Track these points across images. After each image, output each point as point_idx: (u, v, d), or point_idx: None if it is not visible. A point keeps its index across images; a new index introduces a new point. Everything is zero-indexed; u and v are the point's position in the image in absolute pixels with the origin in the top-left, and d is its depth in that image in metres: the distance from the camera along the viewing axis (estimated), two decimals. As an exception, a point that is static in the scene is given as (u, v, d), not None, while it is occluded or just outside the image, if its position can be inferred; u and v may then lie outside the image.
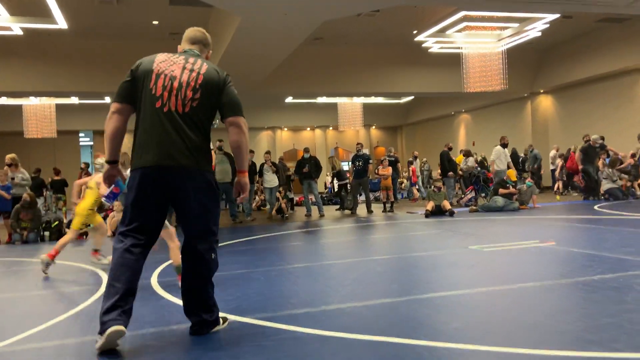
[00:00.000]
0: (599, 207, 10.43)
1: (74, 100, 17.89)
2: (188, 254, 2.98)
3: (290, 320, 3.22)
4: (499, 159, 12.15)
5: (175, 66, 2.92)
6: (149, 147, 2.81)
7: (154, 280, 4.80)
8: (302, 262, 5.52)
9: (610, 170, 12.27)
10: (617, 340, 2.56)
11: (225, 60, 12.27)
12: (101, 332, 2.68)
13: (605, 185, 12.26)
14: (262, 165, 12.00)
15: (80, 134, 24.12)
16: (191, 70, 2.91)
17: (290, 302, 3.75)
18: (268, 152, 12.47)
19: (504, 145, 12.37)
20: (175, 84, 2.85)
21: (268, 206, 12.36)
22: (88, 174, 14.26)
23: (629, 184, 12.42)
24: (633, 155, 13.48)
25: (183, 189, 2.84)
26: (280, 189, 12.22)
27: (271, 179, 11.90)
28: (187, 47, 3.13)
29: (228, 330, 3.10)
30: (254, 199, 14.77)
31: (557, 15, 11.93)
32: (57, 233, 9.31)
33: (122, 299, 2.72)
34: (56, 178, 14.77)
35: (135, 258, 2.82)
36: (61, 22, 10.81)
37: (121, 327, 2.68)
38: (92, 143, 24.85)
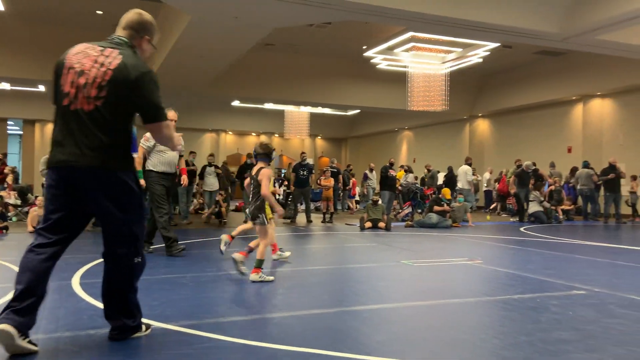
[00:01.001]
0: (524, 229, 10.97)
1: (5, 86, 16.88)
2: (107, 257, 2.84)
3: (216, 328, 3.15)
4: (465, 177, 13.36)
5: (87, 59, 2.67)
6: (58, 146, 2.68)
7: (75, 281, 4.57)
8: (234, 270, 5.42)
9: (537, 193, 12.95)
10: (529, 358, 2.68)
11: (172, 57, 12.00)
12: None
13: (531, 208, 12.93)
14: (204, 168, 11.78)
15: (9, 122, 22.75)
16: (101, 65, 2.64)
17: (218, 310, 3.67)
18: (212, 155, 12.26)
19: (469, 164, 13.84)
20: (82, 80, 2.63)
21: (206, 210, 12.12)
22: (5, 165, 13.48)
23: (553, 207, 13.15)
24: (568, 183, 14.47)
25: (90, 189, 2.68)
26: (221, 192, 12.01)
27: (212, 182, 11.70)
28: (117, 34, 2.83)
29: (150, 337, 2.99)
30: (192, 202, 14.44)
31: (497, 44, 12.54)
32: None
33: (17, 299, 2.56)
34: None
35: (40, 258, 2.65)
36: (-4, 3, 10.21)
37: (4, 326, 2.48)
38: (21, 132, 23.48)
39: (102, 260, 2.87)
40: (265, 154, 4.86)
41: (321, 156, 29.51)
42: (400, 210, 13.96)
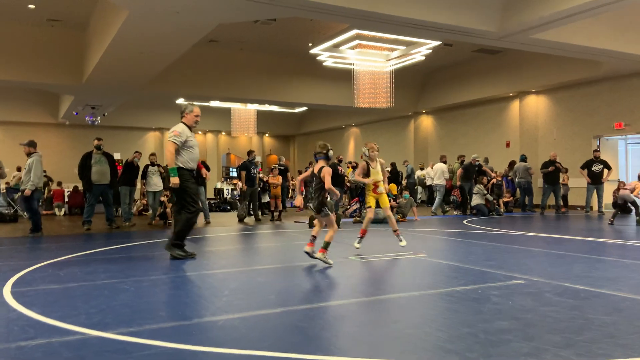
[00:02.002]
0: (467, 221, 11.32)
1: None
2: None
3: (157, 335, 3.04)
4: (441, 174, 14.35)
5: None
6: None
7: (6, 290, 4.30)
8: (178, 272, 5.28)
9: (480, 186, 13.40)
10: (472, 349, 2.74)
11: (110, 54, 11.52)
12: None
13: (474, 201, 13.37)
14: (146, 167, 11.40)
15: None
16: None
17: (160, 314, 3.55)
18: (153, 154, 11.87)
19: (445, 162, 14.76)
20: None
21: (150, 211, 11.76)
22: None
23: (494, 200, 13.65)
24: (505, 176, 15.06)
25: None
26: (166, 193, 11.64)
27: (156, 182, 11.36)
28: None
29: (86, 347, 2.84)
30: (135, 203, 13.98)
31: (439, 43, 12.84)
32: None
33: None
34: None
35: None
36: None
37: None
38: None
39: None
40: (323, 152, 5.45)
41: (269, 154, 29.33)
42: (348, 207, 14.08)
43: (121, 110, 22.01)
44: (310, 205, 5.54)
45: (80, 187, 11.79)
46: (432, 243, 7.63)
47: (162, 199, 11.37)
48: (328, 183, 5.29)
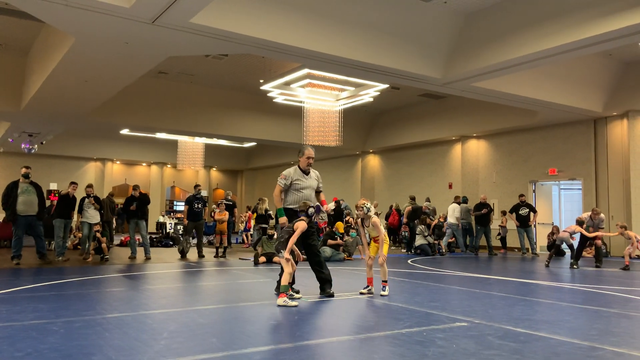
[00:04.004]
0: (411, 261, 11.48)
1: None
2: None
3: (87, 383, 2.82)
4: (453, 213, 14.82)
5: None
6: None
7: None
8: (114, 312, 4.99)
9: (422, 227, 13.69)
10: (416, 395, 2.71)
11: (53, 80, 11.13)
12: None
13: (417, 241, 13.62)
14: (82, 200, 10.90)
15: None
16: None
17: (91, 359, 3.31)
18: (90, 186, 11.37)
19: (458, 203, 15.10)
20: None
21: (87, 244, 11.17)
22: None
23: (436, 241, 13.97)
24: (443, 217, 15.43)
25: None
26: (97, 228, 10.97)
27: (92, 215, 10.86)
28: None
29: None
30: (70, 237, 13.27)
31: (386, 85, 13.29)
32: None
33: None
34: None
35: None
36: None
37: None
38: None
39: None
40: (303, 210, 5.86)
41: (216, 188, 28.88)
42: (294, 244, 13.96)
43: (61, 139, 21.17)
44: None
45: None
46: (378, 283, 7.63)
47: (97, 235, 10.79)
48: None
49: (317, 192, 6.49)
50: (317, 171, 6.62)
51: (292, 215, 6.11)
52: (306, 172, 6.38)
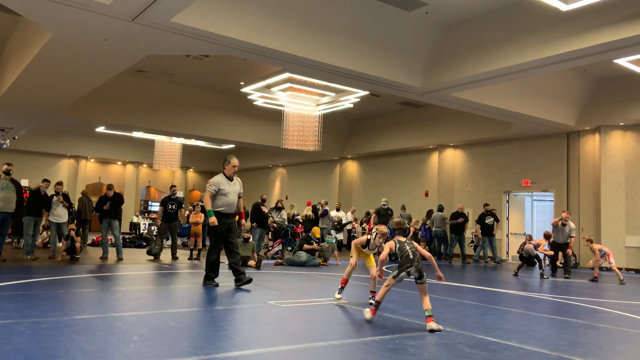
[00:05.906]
0: (386, 267, 11.53)
1: None
2: None
3: (53, 386, 2.75)
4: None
5: None
6: None
7: None
8: (83, 314, 4.89)
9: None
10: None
11: (27, 75, 10.89)
12: None
13: (394, 248, 13.69)
14: (51, 197, 10.67)
15: None
16: None
17: (58, 363, 3.23)
18: (60, 183, 11.14)
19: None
20: None
21: (58, 244, 10.92)
22: None
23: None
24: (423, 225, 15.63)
25: None
26: (72, 226, 10.82)
27: (59, 213, 10.65)
28: None
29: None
30: (41, 235, 12.96)
31: (366, 92, 13.37)
32: None
33: None
34: None
35: None
36: None
37: None
38: None
39: None
40: (401, 229, 5.62)
41: (192, 189, 28.60)
42: (270, 248, 13.92)
43: (34, 134, 20.70)
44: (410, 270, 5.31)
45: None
46: (352, 289, 7.65)
47: (71, 233, 10.58)
48: (424, 251, 5.67)
49: (238, 197, 7.29)
50: (240, 179, 7.42)
51: (222, 216, 6.98)
52: (230, 179, 7.15)
